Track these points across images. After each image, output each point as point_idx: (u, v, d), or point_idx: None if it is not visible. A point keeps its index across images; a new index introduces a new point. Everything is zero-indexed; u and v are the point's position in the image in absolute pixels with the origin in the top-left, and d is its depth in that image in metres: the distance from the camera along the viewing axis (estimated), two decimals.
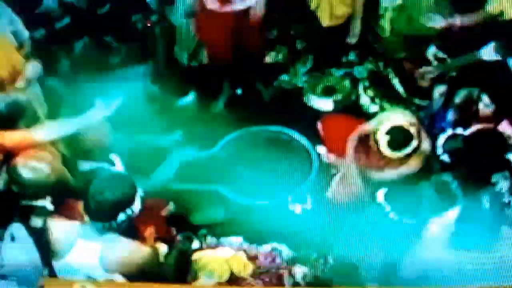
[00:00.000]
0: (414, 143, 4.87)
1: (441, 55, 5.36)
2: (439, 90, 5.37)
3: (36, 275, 4.69)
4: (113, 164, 5.10)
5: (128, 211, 4.49)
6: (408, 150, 4.88)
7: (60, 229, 4.68)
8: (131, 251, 4.56)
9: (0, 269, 4.72)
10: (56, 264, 4.67)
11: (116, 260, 4.53)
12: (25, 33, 5.52)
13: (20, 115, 5.10)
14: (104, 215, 4.46)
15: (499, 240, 4.68)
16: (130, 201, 4.48)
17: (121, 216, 4.47)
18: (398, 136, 4.87)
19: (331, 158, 5.24)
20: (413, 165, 4.97)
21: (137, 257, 4.58)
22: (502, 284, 4.56)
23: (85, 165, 5.12)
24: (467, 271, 4.60)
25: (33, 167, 4.95)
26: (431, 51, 5.37)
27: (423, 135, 4.94)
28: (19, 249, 4.73)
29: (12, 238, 4.77)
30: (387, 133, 4.86)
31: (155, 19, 5.87)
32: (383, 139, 4.88)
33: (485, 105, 5.06)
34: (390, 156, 4.91)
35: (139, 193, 4.53)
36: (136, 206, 4.50)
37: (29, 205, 4.91)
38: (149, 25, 5.87)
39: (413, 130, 4.84)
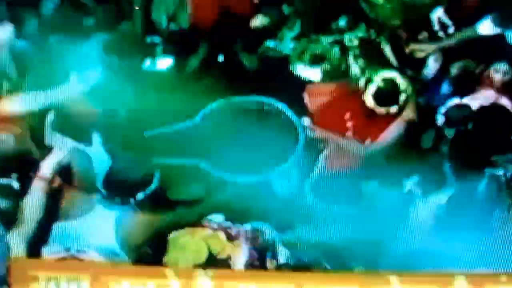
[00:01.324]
0: (403, 97, 5.02)
1: (445, 20, 5.28)
2: (434, 58, 5.30)
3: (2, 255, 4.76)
4: (90, 144, 5.27)
5: (147, 190, 4.96)
6: (396, 107, 5.04)
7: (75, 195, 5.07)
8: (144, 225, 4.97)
9: None
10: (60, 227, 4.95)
11: (129, 230, 4.94)
12: None
13: None
14: (123, 193, 4.97)
15: (492, 223, 4.73)
16: (149, 181, 4.97)
17: (139, 195, 4.95)
18: (386, 89, 5.07)
19: (318, 131, 5.16)
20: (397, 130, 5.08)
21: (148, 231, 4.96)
22: (495, 268, 4.61)
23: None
24: (457, 254, 4.63)
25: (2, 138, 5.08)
26: (436, 14, 5.29)
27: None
28: None
29: None
30: (376, 87, 5.07)
31: None
32: (370, 94, 5.07)
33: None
34: (378, 112, 5.04)
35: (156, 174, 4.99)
36: (154, 185, 4.98)
37: None
38: (137, 8, 5.75)
39: (403, 84, 5.03)
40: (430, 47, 5.24)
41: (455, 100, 5.06)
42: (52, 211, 5.00)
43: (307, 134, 5.21)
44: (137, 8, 5.73)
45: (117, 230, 4.96)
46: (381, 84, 5.18)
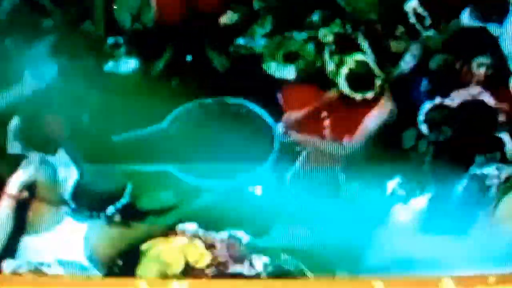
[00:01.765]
0: (378, 82, 5.01)
1: (421, 11, 5.18)
2: (412, 51, 5.23)
3: None
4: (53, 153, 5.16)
5: (117, 204, 4.95)
6: (372, 92, 5.04)
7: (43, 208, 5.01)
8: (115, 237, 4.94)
9: None
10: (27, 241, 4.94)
11: (99, 243, 4.93)
12: None
13: None
14: (93, 206, 4.96)
15: (474, 226, 4.76)
16: (120, 194, 4.96)
17: (110, 209, 4.95)
18: (360, 72, 5.06)
19: (294, 135, 5.08)
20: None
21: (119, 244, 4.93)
22: (478, 271, 4.62)
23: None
24: (439, 258, 4.66)
25: None
26: (411, 5, 5.19)
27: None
28: None
29: None
30: (349, 69, 5.06)
31: None
32: (343, 77, 5.06)
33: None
34: (353, 97, 5.05)
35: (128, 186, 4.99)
36: (125, 199, 4.97)
37: None
38: (115, 7, 5.54)
39: (377, 70, 5.02)
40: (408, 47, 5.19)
41: (436, 101, 5.01)
42: (19, 224, 4.96)
43: (282, 137, 5.13)
44: (115, 7, 5.58)
45: (86, 243, 4.92)
46: (353, 66, 5.11)
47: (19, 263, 4.87)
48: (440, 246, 4.69)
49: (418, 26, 5.17)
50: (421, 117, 4.96)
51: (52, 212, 5.00)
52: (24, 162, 5.06)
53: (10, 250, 4.92)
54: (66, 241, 4.93)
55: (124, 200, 4.95)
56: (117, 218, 4.95)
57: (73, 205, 4.95)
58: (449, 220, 4.76)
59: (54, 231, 4.96)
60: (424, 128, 4.94)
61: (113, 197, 4.96)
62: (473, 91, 5.01)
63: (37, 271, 4.84)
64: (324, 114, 5.14)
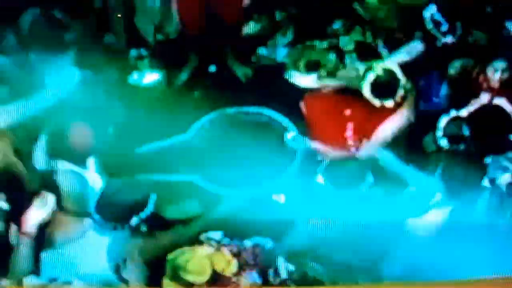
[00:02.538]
0: (401, 92, 5.17)
1: (439, 18, 5.32)
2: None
3: None
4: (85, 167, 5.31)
5: (141, 215, 5.04)
6: (391, 101, 5.18)
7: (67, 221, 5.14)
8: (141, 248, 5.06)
9: None
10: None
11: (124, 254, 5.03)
12: None
13: None
14: (117, 218, 5.06)
15: (494, 232, 4.88)
16: (144, 205, 5.06)
17: (134, 220, 5.04)
18: (385, 80, 5.19)
19: (316, 144, 5.26)
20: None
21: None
22: (497, 275, 4.73)
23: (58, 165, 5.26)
24: (460, 264, 4.75)
25: None
26: (429, 11, 5.33)
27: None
28: None
29: None
30: (376, 76, 5.21)
31: None
32: (368, 83, 5.20)
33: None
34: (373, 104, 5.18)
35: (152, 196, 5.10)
36: (149, 209, 5.08)
37: None
38: (119, 16, 5.74)
39: (402, 79, 5.17)
40: None
41: (452, 114, 5.14)
42: (41, 239, 5.06)
43: (304, 145, 5.25)
44: (119, 15, 5.74)
45: (110, 256, 5.02)
46: (381, 73, 5.24)
47: (41, 278, 4.98)
48: (460, 253, 4.79)
49: (435, 32, 5.30)
50: (439, 132, 5.10)
51: (76, 225, 5.11)
52: (39, 200, 5.12)
53: (32, 265, 5.02)
54: (89, 254, 5.03)
55: (148, 211, 5.05)
56: (143, 228, 5.04)
57: (97, 217, 5.05)
58: (469, 228, 4.87)
59: (77, 244, 5.05)
60: (443, 142, 5.09)
61: (137, 208, 5.05)
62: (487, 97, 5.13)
63: (60, 285, 4.94)
64: (348, 112, 5.29)
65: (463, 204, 4.92)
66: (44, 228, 5.07)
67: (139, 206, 5.06)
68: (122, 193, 5.12)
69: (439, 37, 5.30)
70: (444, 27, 5.30)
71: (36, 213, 5.06)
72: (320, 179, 5.07)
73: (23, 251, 4.99)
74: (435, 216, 4.91)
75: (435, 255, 4.82)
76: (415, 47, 5.32)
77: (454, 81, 5.25)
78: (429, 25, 5.32)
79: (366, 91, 5.23)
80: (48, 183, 5.22)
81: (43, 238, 5.07)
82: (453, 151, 5.04)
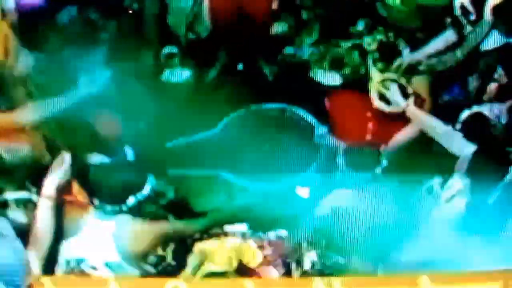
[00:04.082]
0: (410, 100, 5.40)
1: (469, 7, 5.52)
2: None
3: (22, 273, 4.93)
4: (125, 156, 5.54)
5: (139, 196, 5.16)
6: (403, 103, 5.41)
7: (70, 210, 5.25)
8: (143, 230, 5.16)
9: None
10: (65, 246, 5.15)
11: (129, 237, 5.13)
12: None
13: None
14: (115, 198, 5.15)
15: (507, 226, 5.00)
16: (140, 186, 5.17)
17: (131, 200, 5.15)
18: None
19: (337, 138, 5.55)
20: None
21: (148, 237, 5.15)
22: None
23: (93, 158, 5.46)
24: (472, 255, 4.88)
25: (14, 149, 5.31)
26: (460, 1, 5.55)
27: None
28: (4, 246, 4.94)
29: None
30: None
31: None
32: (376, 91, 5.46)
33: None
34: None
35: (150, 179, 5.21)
36: (146, 190, 5.18)
37: (12, 199, 5.21)
38: (130, 12, 6.06)
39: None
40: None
41: (473, 109, 5.38)
42: (59, 228, 5.19)
43: (327, 141, 5.53)
44: (130, 11, 6.04)
45: (117, 241, 5.14)
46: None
47: (67, 265, 5.12)
48: (471, 244, 4.93)
49: (462, 19, 5.54)
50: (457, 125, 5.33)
51: (84, 213, 5.20)
52: (56, 163, 5.26)
53: (55, 253, 5.14)
54: (97, 240, 5.13)
55: (145, 191, 5.16)
56: (141, 211, 5.14)
57: (97, 201, 5.16)
58: (484, 222, 5.00)
59: (84, 232, 5.15)
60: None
61: (133, 188, 5.15)
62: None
63: (78, 272, 5.08)
64: (369, 114, 5.57)
65: (480, 196, 5.07)
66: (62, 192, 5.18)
67: (136, 186, 5.16)
68: (117, 174, 5.24)
69: (465, 25, 5.53)
70: (472, 17, 5.52)
71: (54, 173, 5.19)
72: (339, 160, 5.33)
73: (45, 215, 5.10)
74: (453, 208, 5.08)
75: (453, 246, 4.96)
76: (449, 36, 5.57)
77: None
78: (458, 12, 5.53)
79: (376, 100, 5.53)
80: (79, 176, 5.34)
81: (62, 227, 5.17)
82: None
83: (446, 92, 5.59)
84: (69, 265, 5.13)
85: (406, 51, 5.56)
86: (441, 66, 5.54)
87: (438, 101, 5.53)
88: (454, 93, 5.58)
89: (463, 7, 5.51)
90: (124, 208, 5.16)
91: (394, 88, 5.48)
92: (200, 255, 5.13)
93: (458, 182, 5.11)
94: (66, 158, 5.25)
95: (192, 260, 5.12)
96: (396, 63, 5.59)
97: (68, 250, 5.17)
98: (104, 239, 5.14)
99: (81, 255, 5.14)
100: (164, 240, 5.17)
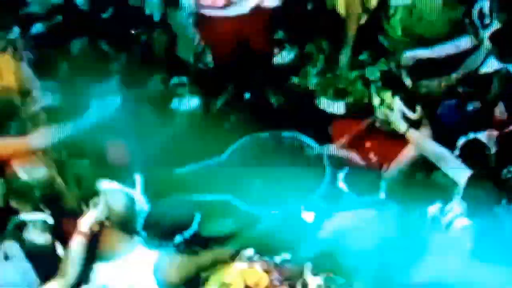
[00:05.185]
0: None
1: (486, 12, 5.70)
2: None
3: None
4: (133, 185, 5.65)
5: (185, 234, 5.33)
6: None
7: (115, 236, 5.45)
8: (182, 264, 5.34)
9: None
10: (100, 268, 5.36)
11: (169, 269, 5.29)
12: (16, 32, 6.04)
13: (11, 116, 5.60)
14: (162, 236, 5.34)
15: None
16: (188, 224, 5.36)
17: (178, 238, 5.32)
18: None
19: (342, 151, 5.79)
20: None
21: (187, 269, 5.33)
22: None
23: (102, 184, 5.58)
24: (477, 280, 5.03)
25: (30, 170, 5.47)
26: (479, 6, 5.74)
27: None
28: (12, 268, 5.12)
29: (6, 257, 5.16)
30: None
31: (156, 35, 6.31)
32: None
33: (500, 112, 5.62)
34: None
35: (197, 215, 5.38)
36: (193, 228, 5.35)
37: (26, 221, 5.38)
38: (133, 32, 6.33)
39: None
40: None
41: (470, 136, 5.58)
42: (91, 253, 5.38)
43: (331, 166, 5.71)
44: (133, 32, 6.29)
45: (156, 272, 5.32)
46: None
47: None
48: (481, 271, 5.06)
49: (477, 23, 5.73)
50: (456, 151, 5.51)
51: (124, 240, 5.37)
52: (93, 201, 5.45)
53: (84, 277, 5.31)
54: (136, 269, 5.29)
55: (191, 230, 5.33)
56: (184, 246, 5.29)
57: (144, 234, 5.34)
58: (489, 246, 5.13)
59: (125, 259, 5.31)
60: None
61: (181, 227, 5.31)
62: None
63: None
64: (368, 145, 5.81)
65: (482, 220, 5.21)
66: (95, 235, 5.37)
67: (184, 225, 5.32)
68: (167, 212, 5.40)
69: (480, 29, 5.72)
70: (487, 20, 5.70)
71: (90, 214, 5.39)
72: (342, 184, 5.52)
73: (77, 251, 5.26)
74: (454, 232, 5.25)
75: (456, 269, 5.08)
76: (463, 42, 5.80)
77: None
78: (475, 15, 5.71)
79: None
80: (90, 201, 5.51)
81: (94, 252, 5.36)
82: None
83: (444, 117, 5.83)
84: None
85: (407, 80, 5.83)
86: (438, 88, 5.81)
87: (437, 126, 5.73)
88: (453, 118, 5.81)
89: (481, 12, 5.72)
90: (170, 244, 5.33)
91: (398, 109, 5.70)
92: (208, 279, 5.29)
93: (456, 207, 5.29)
94: (102, 200, 5.43)
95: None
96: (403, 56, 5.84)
97: (99, 278, 5.36)
98: (143, 269, 5.32)
99: (112, 283, 5.33)
100: (200, 270, 5.33)
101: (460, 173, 5.35)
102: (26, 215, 5.42)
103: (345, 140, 5.83)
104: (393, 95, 5.73)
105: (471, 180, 5.27)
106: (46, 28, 6.31)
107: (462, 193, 5.28)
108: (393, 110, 5.70)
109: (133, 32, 6.33)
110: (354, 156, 5.79)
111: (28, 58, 6.10)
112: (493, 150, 5.47)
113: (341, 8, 6.05)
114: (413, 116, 5.68)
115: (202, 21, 6.18)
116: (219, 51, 6.23)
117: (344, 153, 5.81)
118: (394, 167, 5.69)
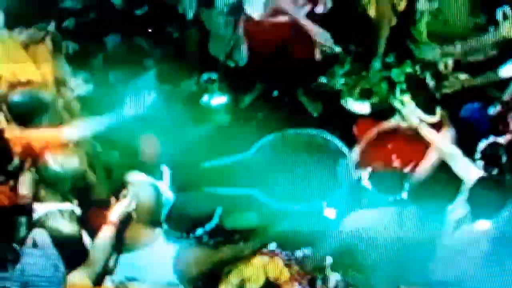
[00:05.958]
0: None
1: (509, 13, 5.85)
2: None
3: (58, 283, 5.21)
4: (160, 177, 5.88)
5: (206, 227, 5.41)
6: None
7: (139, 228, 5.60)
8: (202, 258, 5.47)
9: (21, 276, 5.09)
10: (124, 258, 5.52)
11: (189, 262, 5.43)
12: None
13: (42, 111, 5.68)
14: (183, 228, 5.43)
15: None
16: (210, 218, 5.44)
17: (199, 231, 5.40)
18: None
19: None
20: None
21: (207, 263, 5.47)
22: None
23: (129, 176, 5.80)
24: (493, 278, 5.19)
25: (62, 161, 5.59)
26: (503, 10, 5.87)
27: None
28: (40, 256, 5.20)
29: (34, 244, 5.27)
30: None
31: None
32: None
33: None
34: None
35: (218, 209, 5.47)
36: (214, 222, 5.44)
37: (56, 210, 5.52)
38: (150, 30, 6.47)
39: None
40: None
41: (490, 139, 5.73)
42: (117, 245, 5.56)
43: (355, 165, 5.89)
44: (150, 30, 6.44)
45: (176, 263, 5.47)
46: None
47: (116, 278, 5.45)
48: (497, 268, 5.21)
49: (500, 19, 5.86)
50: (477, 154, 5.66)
51: (147, 232, 5.56)
52: (124, 192, 5.66)
53: (108, 266, 5.49)
54: (157, 259, 5.45)
55: (213, 223, 5.40)
56: (205, 239, 5.39)
57: (166, 226, 5.45)
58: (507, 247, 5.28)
59: (147, 249, 5.49)
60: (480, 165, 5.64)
61: (203, 220, 5.39)
62: None
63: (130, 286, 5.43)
64: (390, 146, 5.96)
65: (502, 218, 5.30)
66: (122, 226, 5.54)
67: (205, 218, 5.40)
68: (190, 205, 5.49)
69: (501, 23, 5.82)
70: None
71: (119, 204, 5.59)
72: (366, 183, 5.66)
73: (105, 241, 5.46)
74: (474, 230, 5.35)
75: (473, 268, 5.23)
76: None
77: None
78: (499, 15, 5.82)
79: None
80: (119, 192, 5.72)
81: (120, 243, 5.55)
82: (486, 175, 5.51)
83: (467, 119, 5.98)
84: (118, 281, 5.47)
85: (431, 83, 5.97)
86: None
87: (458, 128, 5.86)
88: (475, 120, 5.95)
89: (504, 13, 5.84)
90: (191, 236, 5.43)
91: (412, 106, 5.87)
92: (230, 272, 5.43)
93: (460, 208, 5.44)
94: (134, 187, 5.61)
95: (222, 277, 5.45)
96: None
97: (123, 268, 5.54)
98: (164, 259, 5.47)
99: (134, 274, 5.48)
100: (222, 264, 5.45)
101: (469, 173, 5.50)
102: (55, 205, 5.55)
103: (368, 140, 5.99)
104: (413, 98, 5.90)
105: (480, 182, 5.39)
106: (81, 22, 6.46)
107: (468, 194, 5.40)
108: (405, 105, 5.88)
109: (149, 30, 6.45)
110: (376, 157, 5.93)
111: (64, 50, 6.26)
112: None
113: (372, 12, 6.17)
114: (431, 119, 5.84)
115: (249, 24, 6.28)
116: (258, 51, 6.30)
117: (367, 152, 5.96)
118: (420, 171, 5.83)
